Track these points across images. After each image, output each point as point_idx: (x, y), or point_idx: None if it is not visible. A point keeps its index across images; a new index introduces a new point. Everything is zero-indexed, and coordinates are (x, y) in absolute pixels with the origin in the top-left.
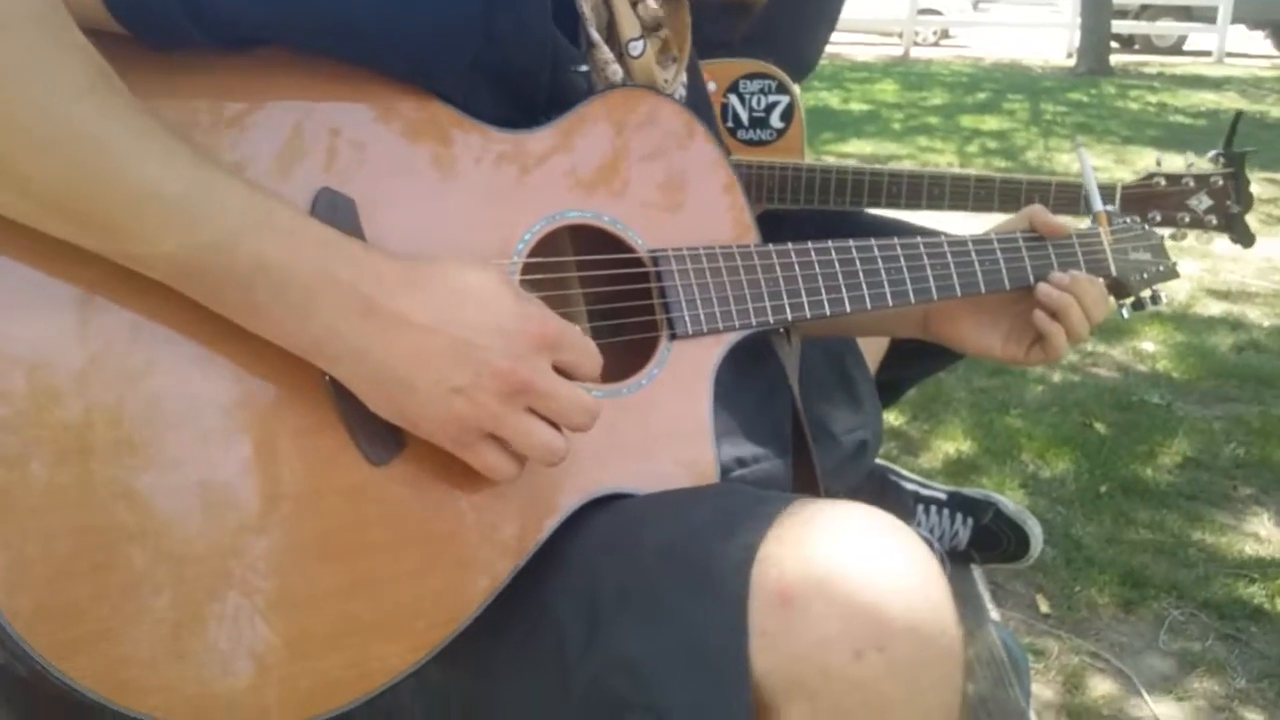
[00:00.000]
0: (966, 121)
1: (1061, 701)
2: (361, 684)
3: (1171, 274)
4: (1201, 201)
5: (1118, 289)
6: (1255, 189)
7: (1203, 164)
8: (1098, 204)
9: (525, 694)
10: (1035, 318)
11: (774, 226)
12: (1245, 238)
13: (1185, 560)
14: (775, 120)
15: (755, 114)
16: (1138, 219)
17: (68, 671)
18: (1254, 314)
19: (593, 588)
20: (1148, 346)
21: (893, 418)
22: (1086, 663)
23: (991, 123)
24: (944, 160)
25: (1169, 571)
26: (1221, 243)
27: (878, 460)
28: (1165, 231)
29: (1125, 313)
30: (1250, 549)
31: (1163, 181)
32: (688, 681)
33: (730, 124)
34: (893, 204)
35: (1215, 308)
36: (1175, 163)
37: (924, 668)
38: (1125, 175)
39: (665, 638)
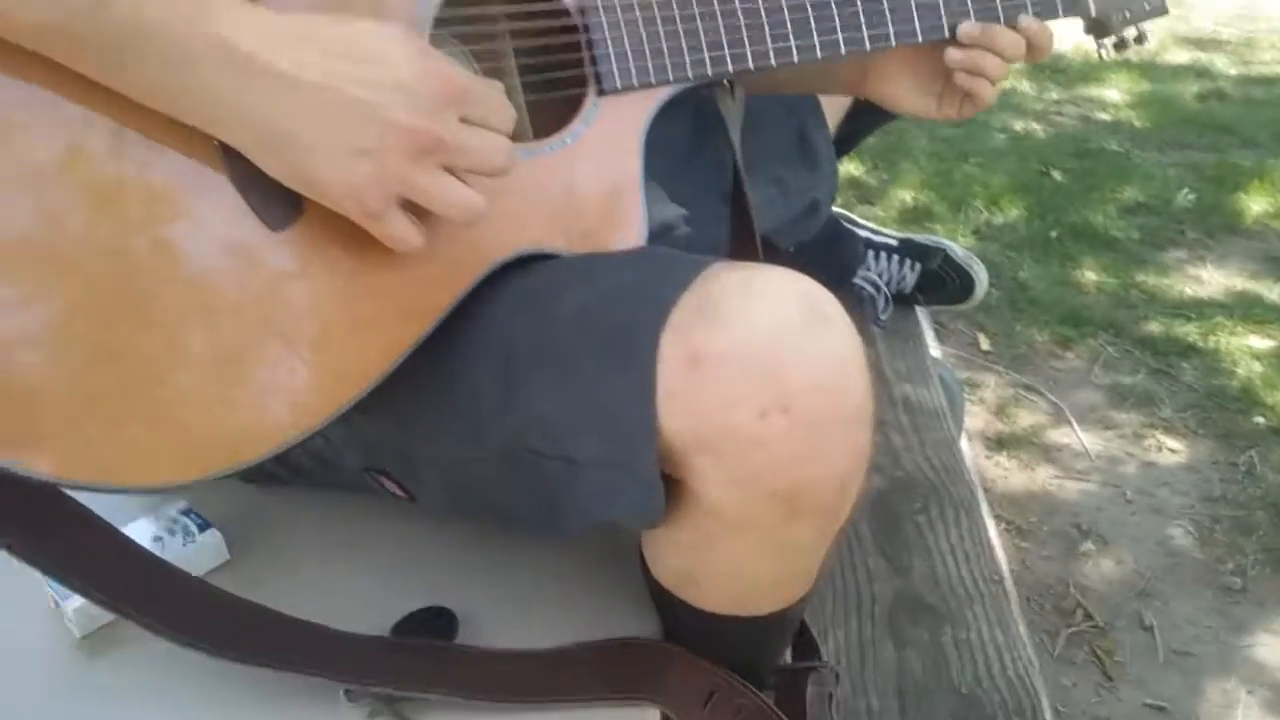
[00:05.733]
0: None
1: (993, 429)
2: (271, 438)
3: (1161, 10)
4: None
5: (1098, 28)
6: None
7: None
8: None
9: (446, 446)
10: (956, 79)
11: None
12: None
13: (1126, 301)
14: None
15: None
16: None
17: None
18: (1221, 62)
19: (508, 348)
20: (1112, 95)
21: (853, 167)
22: (1020, 395)
23: None
24: None
25: (1109, 311)
26: None
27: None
28: None
29: (1105, 53)
30: (1190, 290)
31: None
32: (599, 439)
33: None
34: None
35: (1183, 55)
36: None
37: (829, 428)
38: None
39: (578, 399)
